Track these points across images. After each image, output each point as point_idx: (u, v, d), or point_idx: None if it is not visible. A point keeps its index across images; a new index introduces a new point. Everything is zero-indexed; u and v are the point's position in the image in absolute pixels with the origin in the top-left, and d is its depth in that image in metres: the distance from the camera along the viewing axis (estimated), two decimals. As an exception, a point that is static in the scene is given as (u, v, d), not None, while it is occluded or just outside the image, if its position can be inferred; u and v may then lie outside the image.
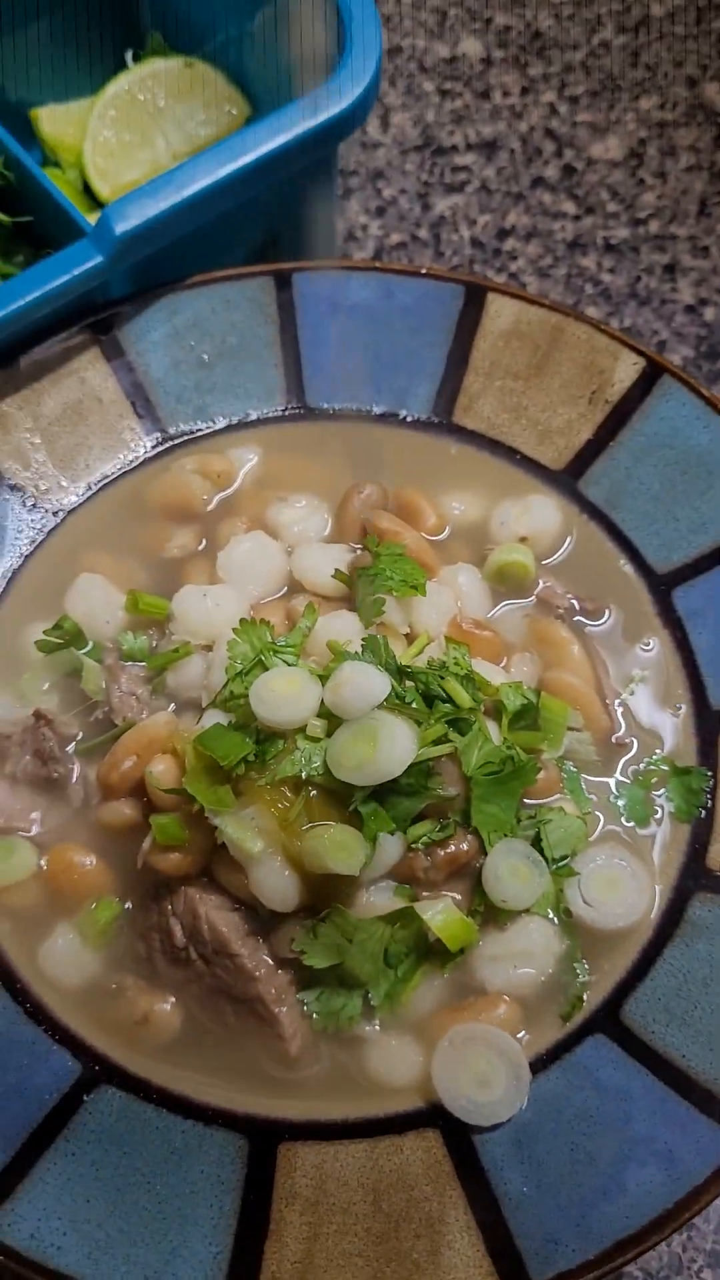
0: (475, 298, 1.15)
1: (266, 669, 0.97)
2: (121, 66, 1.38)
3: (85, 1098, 0.91)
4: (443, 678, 0.96)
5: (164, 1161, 0.89)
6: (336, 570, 1.05)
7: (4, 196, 1.23)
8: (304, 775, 0.93)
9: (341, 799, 0.93)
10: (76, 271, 1.06)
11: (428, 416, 1.16)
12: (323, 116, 1.12)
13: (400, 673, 0.96)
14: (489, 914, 0.96)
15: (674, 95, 1.54)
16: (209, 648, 1.03)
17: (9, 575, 1.09)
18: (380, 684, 0.93)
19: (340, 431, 1.16)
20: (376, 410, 1.17)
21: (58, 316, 1.12)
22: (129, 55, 1.38)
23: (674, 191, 1.48)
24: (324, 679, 0.95)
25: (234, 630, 0.99)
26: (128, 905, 0.98)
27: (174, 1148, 0.89)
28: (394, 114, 1.54)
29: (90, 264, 1.07)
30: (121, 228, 1.07)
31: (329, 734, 0.94)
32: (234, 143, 1.11)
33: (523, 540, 1.10)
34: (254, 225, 1.25)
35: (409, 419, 1.16)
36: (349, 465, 1.14)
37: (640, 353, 1.13)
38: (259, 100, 1.36)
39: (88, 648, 1.06)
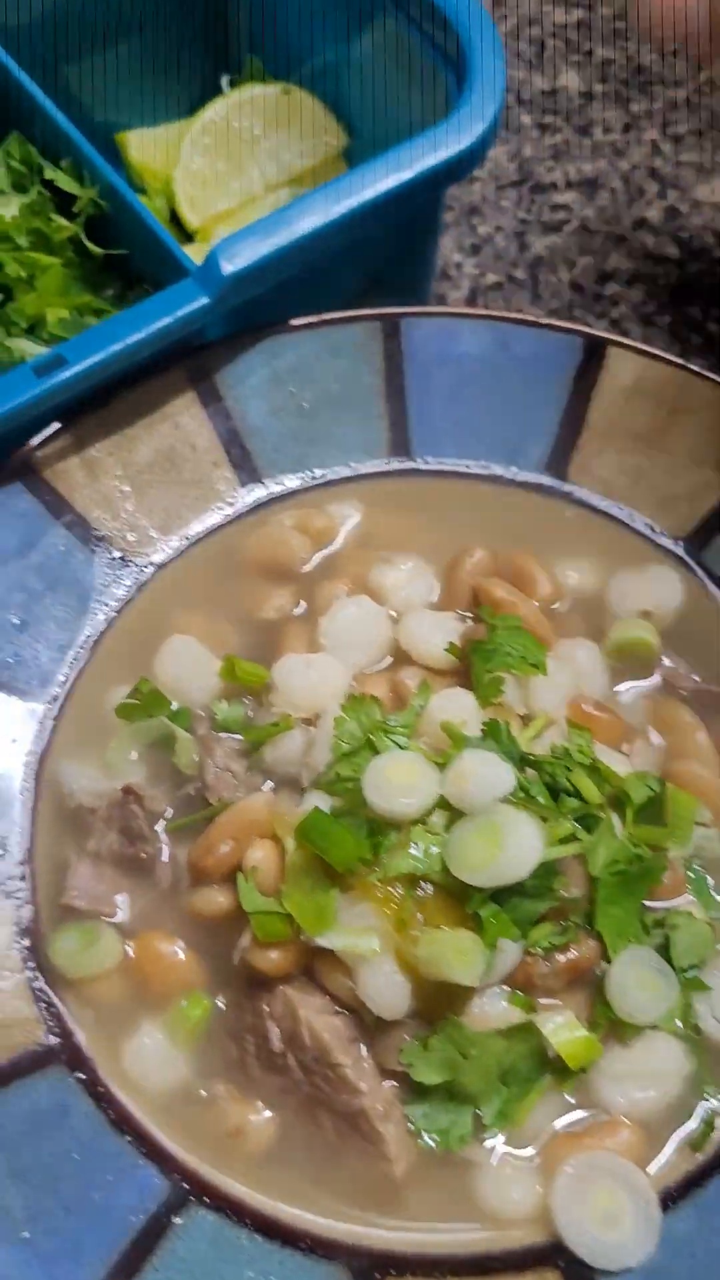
0: (595, 352, 1.08)
1: (376, 750, 0.90)
2: (212, 90, 1.32)
3: (175, 1220, 0.83)
4: (569, 769, 0.89)
5: (261, 1297, 0.81)
6: (450, 644, 0.97)
7: (95, 226, 1.16)
8: (420, 872, 0.86)
9: (459, 899, 0.86)
10: (181, 313, 0.99)
11: (540, 477, 1.09)
12: (443, 155, 1.05)
13: (523, 762, 0.89)
14: (612, 1028, 0.88)
15: (783, 137, 1.47)
16: (311, 722, 0.96)
17: (96, 636, 1.02)
18: (506, 776, 0.86)
19: (448, 489, 1.09)
20: (486, 468, 1.10)
21: (153, 358, 1.05)
22: (224, 80, 1.32)
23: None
24: (441, 765, 0.88)
25: (341, 706, 0.92)
26: (220, 1002, 0.91)
27: (271, 1281, 0.82)
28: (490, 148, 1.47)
29: (195, 305, 1.00)
30: (230, 267, 1.00)
31: (448, 827, 0.87)
32: (348, 182, 1.04)
33: (645, 614, 1.03)
34: (357, 267, 1.18)
35: (520, 479, 1.09)
36: (457, 525, 1.07)
37: (773, 417, 1.05)
38: (357, 131, 1.29)
39: (173, 712, 0.99)
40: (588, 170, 1.46)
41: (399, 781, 0.87)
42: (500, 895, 0.86)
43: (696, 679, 1.01)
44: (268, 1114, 0.88)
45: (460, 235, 1.43)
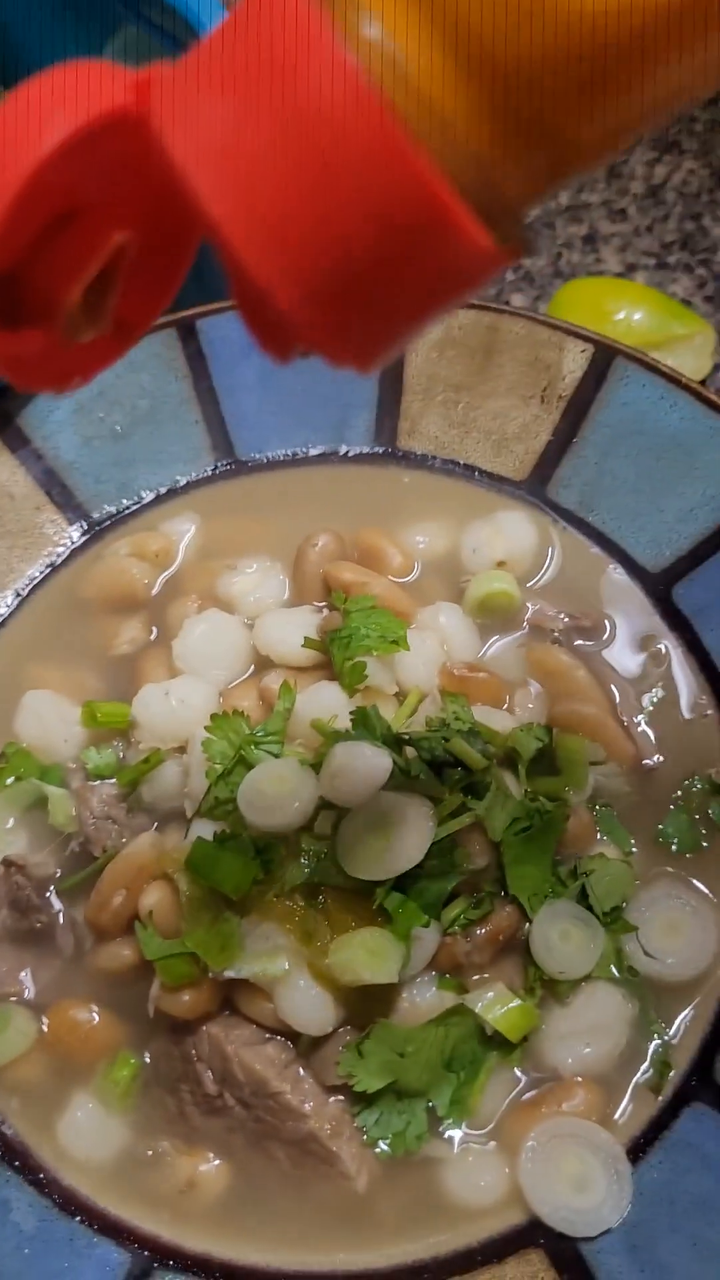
0: (397, 311, 1.05)
1: (250, 765, 0.87)
2: None
3: (142, 1291, 0.80)
4: (446, 739, 0.86)
5: (244, 1351, 0.78)
6: (306, 638, 0.94)
7: None
8: (315, 880, 0.82)
9: (362, 897, 0.83)
10: (-42, 363, 0.95)
11: (370, 448, 1.06)
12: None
13: (399, 742, 0.86)
14: (547, 989, 0.86)
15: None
16: (182, 750, 0.92)
17: (-54, 709, 0.98)
18: (380, 762, 0.83)
19: (280, 481, 1.06)
20: (314, 451, 1.06)
21: (-53, 415, 1.02)
22: None
23: (578, 157, 1.39)
24: (317, 766, 0.85)
25: (206, 728, 0.89)
26: (146, 1057, 0.87)
27: (252, 1331, 0.78)
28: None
29: (-28, 352, 0.96)
30: None
31: (335, 827, 0.84)
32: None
33: (501, 565, 1.00)
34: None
35: (350, 454, 1.06)
36: (296, 516, 1.04)
37: (586, 338, 1.03)
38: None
39: (43, 769, 0.95)
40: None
41: (274, 792, 0.84)
42: (403, 883, 0.83)
43: (565, 617, 0.98)
44: (215, 1159, 0.84)
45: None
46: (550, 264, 1.34)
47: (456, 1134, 0.84)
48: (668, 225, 1.36)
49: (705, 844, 0.92)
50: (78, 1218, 0.82)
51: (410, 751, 0.86)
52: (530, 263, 1.34)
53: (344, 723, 0.87)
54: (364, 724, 0.86)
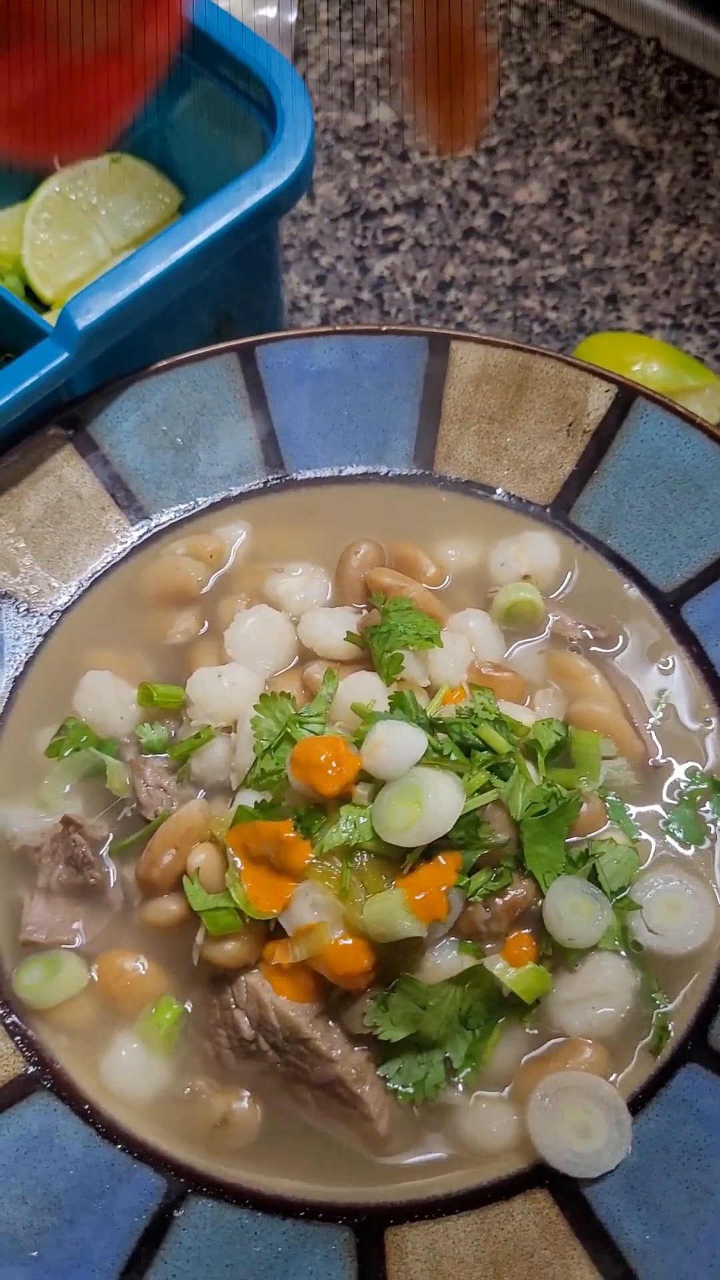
0: (439, 347, 1.16)
1: (294, 741, 0.95)
2: (45, 172, 1.39)
3: (176, 1214, 0.86)
4: (475, 725, 0.95)
5: (270, 1269, 0.84)
6: (349, 633, 1.03)
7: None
8: (352, 844, 0.90)
9: (394, 862, 0.91)
10: (44, 370, 1.05)
11: (409, 470, 1.16)
12: (265, 190, 1.12)
13: (432, 726, 0.95)
14: (558, 957, 0.94)
15: (586, 135, 1.57)
16: (230, 729, 1.01)
17: (11, 684, 1.06)
18: (417, 740, 0.92)
19: (325, 495, 1.15)
20: (357, 470, 1.16)
21: (25, 420, 1.11)
22: (55, 160, 1.39)
23: (603, 225, 1.51)
24: (358, 744, 0.94)
25: (255, 707, 0.97)
26: (188, 1005, 0.95)
27: (278, 1252, 0.85)
28: (318, 184, 1.56)
29: (57, 361, 1.06)
30: (83, 322, 1.06)
31: (372, 797, 0.92)
32: (183, 227, 1.11)
33: (525, 578, 1.09)
34: (207, 307, 1.25)
35: (391, 474, 1.16)
36: (339, 527, 1.13)
37: (610, 379, 1.13)
38: (189, 186, 1.37)
39: (101, 742, 1.03)
40: (412, 192, 1.55)
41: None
42: (431, 852, 0.91)
43: (583, 628, 1.07)
44: (250, 1098, 0.91)
45: (305, 269, 1.51)
46: (575, 319, 1.45)
47: (471, 1084, 0.91)
48: (684, 290, 1.47)
49: (706, 838, 1.00)
50: (119, 1145, 0.89)
51: (442, 736, 0.95)
52: (556, 316, 1.45)
53: (381, 708, 0.96)
54: (402, 706, 0.95)
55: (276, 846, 0.91)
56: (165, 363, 1.15)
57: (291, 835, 0.91)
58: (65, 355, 1.06)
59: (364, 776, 0.93)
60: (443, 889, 0.90)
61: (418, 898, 0.89)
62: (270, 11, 1.46)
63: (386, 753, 0.91)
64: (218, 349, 1.16)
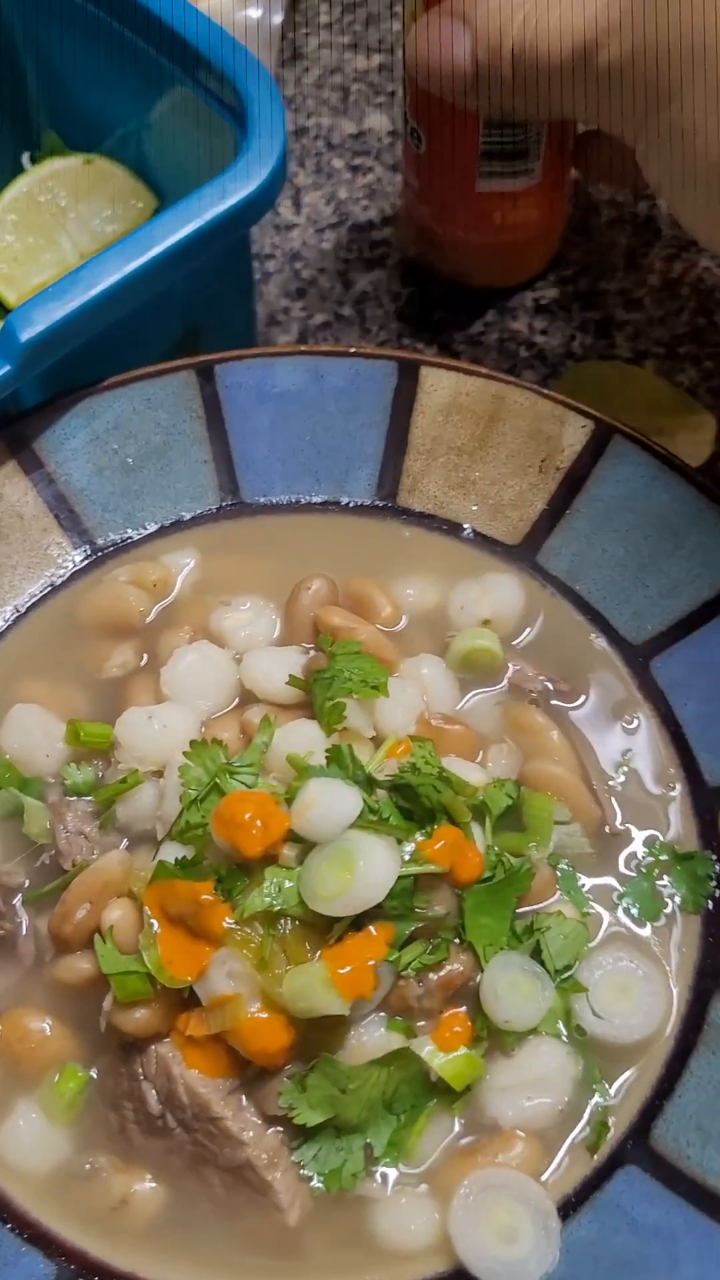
0: (409, 373, 1.09)
1: (224, 793, 0.89)
2: (17, 170, 1.33)
3: (63, 1305, 0.80)
4: (438, 788, 0.88)
5: None
6: (291, 676, 0.97)
7: None
8: (275, 909, 0.84)
9: (321, 931, 0.84)
10: (-18, 384, 0.99)
11: (371, 501, 1.10)
12: (231, 200, 1.06)
13: (371, 784, 0.88)
14: (494, 1040, 0.87)
15: (588, 151, 1.51)
16: (160, 773, 0.94)
17: (-65, 716, 1.00)
18: (351, 800, 0.85)
19: (280, 525, 1.09)
20: (316, 499, 1.10)
21: (-33, 433, 1.05)
22: (25, 158, 1.33)
23: (599, 247, 1.45)
24: (290, 799, 0.87)
25: (184, 754, 0.91)
26: (94, 1072, 0.88)
27: None
28: (305, 194, 1.50)
29: (-4, 375, 1.00)
30: (27, 334, 1.00)
31: (301, 859, 0.85)
32: (141, 235, 1.04)
33: (486, 623, 1.03)
34: (171, 318, 1.19)
35: (351, 505, 1.10)
36: (294, 559, 1.07)
37: (587, 415, 1.07)
38: (164, 191, 1.31)
39: (23, 781, 0.97)
40: (402, 206, 1.49)
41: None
42: (362, 922, 0.85)
43: (544, 679, 1.01)
44: (152, 1180, 0.85)
45: (285, 280, 1.44)
46: (564, 344, 1.38)
47: (392, 1174, 0.85)
48: (680, 319, 1.40)
49: (663, 914, 0.94)
50: (8, 1224, 0.83)
51: (381, 794, 0.89)
52: (544, 340, 1.38)
53: (319, 760, 0.90)
54: (338, 761, 0.89)
55: (195, 908, 0.85)
56: (119, 378, 1.09)
57: (210, 897, 0.85)
58: (6, 368, 1.00)
59: (294, 836, 0.86)
60: (370, 963, 0.83)
61: (342, 971, 0.82)
62: (256, 12, 1.40)
63: (318, 814, 0.85)
64: (175, 365, 1.10)
